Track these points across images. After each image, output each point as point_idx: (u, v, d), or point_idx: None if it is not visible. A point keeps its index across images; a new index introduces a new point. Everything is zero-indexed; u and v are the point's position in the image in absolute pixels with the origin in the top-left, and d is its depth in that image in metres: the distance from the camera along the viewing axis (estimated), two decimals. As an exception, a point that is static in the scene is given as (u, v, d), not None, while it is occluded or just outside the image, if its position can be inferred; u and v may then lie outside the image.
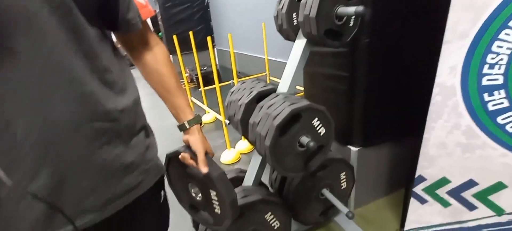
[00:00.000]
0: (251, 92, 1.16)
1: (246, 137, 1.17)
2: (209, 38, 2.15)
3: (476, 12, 0.90)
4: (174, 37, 2.76)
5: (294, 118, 0.96)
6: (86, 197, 0.55)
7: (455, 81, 1.01)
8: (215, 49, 6.12)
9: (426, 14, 1.25)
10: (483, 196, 1.14)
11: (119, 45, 0.67)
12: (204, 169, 0.71)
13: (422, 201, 1.29)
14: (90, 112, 0.52)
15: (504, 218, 1.17)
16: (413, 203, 1.32)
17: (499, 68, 0.95)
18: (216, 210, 0.81)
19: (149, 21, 0.73)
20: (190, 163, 0.73)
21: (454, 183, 1.18)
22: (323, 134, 1.05)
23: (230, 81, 2.39)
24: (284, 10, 1.12)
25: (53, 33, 0.46)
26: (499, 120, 1.01)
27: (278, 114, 0.95)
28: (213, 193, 0.77)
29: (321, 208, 1.43)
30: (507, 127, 1.02)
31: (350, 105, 1.39)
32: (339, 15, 0.96)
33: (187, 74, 4.26)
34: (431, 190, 1.25)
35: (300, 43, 1.11)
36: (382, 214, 1.58)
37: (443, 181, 1.20)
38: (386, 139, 1.52)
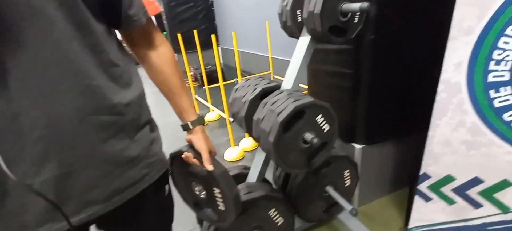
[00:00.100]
0: (255, 89, 1.17)
1: (250, 134, 1.18)
2: (213, 37, 2.16)
3: (482, 8, 0.89)
4: (179, 35, 2.77)
5: (298, 114, 0.97)
6: (92, 189, 0.56)
7: (461, 78, 1.01)
8: (219, 48, 6.13)
9: (431, 11, 1.24)
10: (488, 194, 1.13)
11: (124, 44, 0.67)
12: (209, 167, 0.72)
13: (427, 198, 1.29)
14: (96, 105, 0.53)
15: (509, 216, 1.16)
16: (417, 200, 1.32)
17: (505, 65, 0.94)
18: (220, 207, 0.82)
19: (154, 19, 0.73)
20: (194, 162, 0.74)
21: (459, 181, 1.17)
22: (327, 131, 1.05)
23: (234, 80, 2.40)
24: (288, 7, 1.12)
25: (60, 27, 0.47)
26: (505, 117, 1.00)
27: (282, 111, 0.95)
28: (216, 191, 0.78)
29: (324, 205, 1.43)
30: (513, 124, 1.01)
31: (354, 102, 1.39)
32: (344, 11, 0.96)
33: (191, 73, 4.28)
34: (436, 187, 1.24)
35: (304, 40, 1.11)
36: (386, 212, 1.58)
37: (448, 179, 1.19)
38: (390, 137, 1.51)
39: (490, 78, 0.97)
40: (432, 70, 1.08)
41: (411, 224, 1.38)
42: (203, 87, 3.28)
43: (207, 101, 3.23)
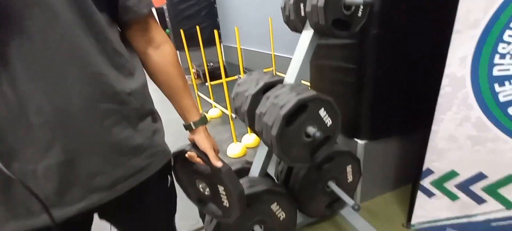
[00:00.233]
0: (257, 83, 1.16)
1: (253, 128, 1.18)
2: (216, 32, 2.16)
3: (488, 1, 0.88)
4: (181, 31, 2.78)
5: (300, 108, 0.96)
6: (95, 176, 0.57)
7: (465, 72, 1.00)
8: (222, 45, 6.13)
9: (435, 4, 1.23)
10: (492, 189, 1.13)
11: None
12: (218, 163, 0.72)
13: (430, 194, 1.28)
14: (100, 93, 0.53)
15: (514, 212, 1.16)
16: (420, 196, 1.31)
17: (510, 58, 0.93)
18: (224, 204, 0.82)
19: (155, 15, 0.71)
20: (197, 161, 0.74)
21: (463, 176, 1.17)
22: (330, 125, 1.05)
23: (237, 76, 2.40)
24: (291, 1, 1.11)
25: (63, 15, 0.48)
26: (510, 111, 0.99)
27: (284, 104, 0.95)
28: (221, 188, 0.79)
29: (327, 201, 1.43)
30: (519, 119, 1.00)
31: (357, 98, 1.38)
32: (348, 4, 0.95)
33: (194, 70, 4.28)
34: (439, 183, 1.23)
35: (307, 34, 1.11)
36: (389, 209, 1.57)
37: (452, 174, 1.18)
38: (393, 133, 1.50)
39: (495, 72, 0.96)
40: (436, 65, 1.07)
41: (414, 220, 1.38)
42: (206, 84, 3.29)
43: (209, 97, 3.24)
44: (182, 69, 0.72)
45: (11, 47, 0.45)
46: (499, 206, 1.14)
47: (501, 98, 0.98)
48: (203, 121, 0.75)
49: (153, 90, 0.69)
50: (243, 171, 1.33)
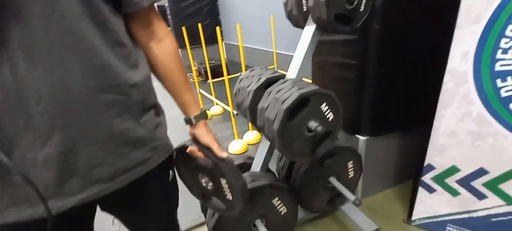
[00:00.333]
0: (259, 79, 1.17)
1: (254, 123, 1.18)
2: (218, 28, 2.17)
3: (490, -4, 0.89)
4: (183, 29, 2.78)
5: (302, 102, 0.97)
6: (96, 167, 0.57)
7: (467, 67, 1.00)
8: (223, 43, 6.13)
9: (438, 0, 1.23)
10: (493, 185, 1.13)
11: None
12: (223, 154, 0.72)
13: (431, 190, 1.28)
14: (101, 83, 0.53)
15: (514, 208, 1.16)
16: (421, 192, 1.32)
17: (513, 54, 0.93)
18: (227, 197, 0.82)
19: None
20: (199, 155, 0.74)
21: (464, 172, 1.17)
22: (331, 120, 1.05)
23: (238, 73, 2.40)
24: (293, -4, 1.12)
25: (65, 3, 0.47)
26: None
27: (286, 99, 0.96)
28: (223, 181, 0.79)
29: (328, 196, 1.43)
30: (520, 114, 1.00)
31: (359, 94, 1.39)
32: (350, -1, 0.96)
33: (195, 68, 4.28)
34: (440, 179, 1.24)
35: (310, 29, 1.11)
36: (390, 205, 1.58)
37: (453, 170, 1.19)
38: (394, 129, 1.51)
39: (497, 67, 0.96)
40: (438, 61, 1.07)
41: (415, 216, 1.38)
42: (207, 81, 3.29)
43: (211, 95, 3.25)
44: (183, 64, 0.72)
45: (10, 34, 0.45)
46: (500, 202, 1.15)
47: (503, 94, 0.98)
48: (204, 115, 0.75)
49: (157, 86, 0.70)
50: (245, 166, 1.34)
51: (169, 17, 5.64)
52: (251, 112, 1.17)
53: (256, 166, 1.26)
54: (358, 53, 1.32)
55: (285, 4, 1.19)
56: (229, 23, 5.72)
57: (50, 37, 0.47)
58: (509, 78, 0.96)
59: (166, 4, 5.51)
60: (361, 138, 1.47)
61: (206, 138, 0.73)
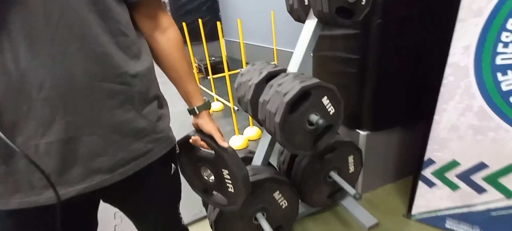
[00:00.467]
0: (261, 72, 1.17)
1: (256, 117, 1.18)
2: (219, 23, 2.16)
3: (492, -11, 0.88)
4: (184, 24, 2.78)
5: (304, 96, 0.97)
6: (97, 157, 0.57)
7: (469, 61, 1.00)
8: (224, 39, 6.11)
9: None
10: (493, 179, 1.14)
11: None
12: (225, 144, 0.73)
13: (431, 184, 1.29)
14: (102, 72, 0.53)
15: (514, 202, 1.16)
16: (421, 186, 1.32)
17: (514, 47, 0.93)
18: (229, 189, 0.82)
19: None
20: (201, 145, 0.74)
21: (464, 166, 1.18)
22: (333, 113, 1.05)
23: (239, 70, 2.40)
24: (295, -10, 1.12)
25: None
26: (512, 100, 1.00)
27: (288, 92, 0.96)
28: (225, 172, 0.79)
29: (328, 191, 1.44)
30: (521, 108, 1.01)
31: (360, 88, 1.39)
32: (351, -8, 0.96)
33: (196, 64, 4.28)
34: (440, 173, 1.24)
35: (311, 23, 1.11)
36: (390, 200, 1.59)
37: (453, 164, 1.19)
38: (396, 124, 1.51)
39: (498, 61, 0.96)
40: (440, 56, 1.07)
41: (415, 210, 1.39)
42: (208, 78, 3.29)
43: (211, 91, 3.25)
44: (187, 54, 0.72)
45: (12, 20, 0.45)
46: (500, 196, 1.15)
47: (504, 88, 0.99)
48: (207, 105, 0.75)
49: (161, 82, 0.70)
50: (246, 160, 1.34)
51: (169, 13, 5.62)
52: (252, 106, 1.17)
53: (257, 160, 1.27)
54: (359, 48, 1.32)
55: (287, -2, 1.19)
56: (229, 20, 5.71)
57: (51, 24, 0.47)
58: (509, 72, 0.96)
59: (166, 1, 5.49)
60: (362, 133, 1.47)
61: (208, 126, 0.73)
